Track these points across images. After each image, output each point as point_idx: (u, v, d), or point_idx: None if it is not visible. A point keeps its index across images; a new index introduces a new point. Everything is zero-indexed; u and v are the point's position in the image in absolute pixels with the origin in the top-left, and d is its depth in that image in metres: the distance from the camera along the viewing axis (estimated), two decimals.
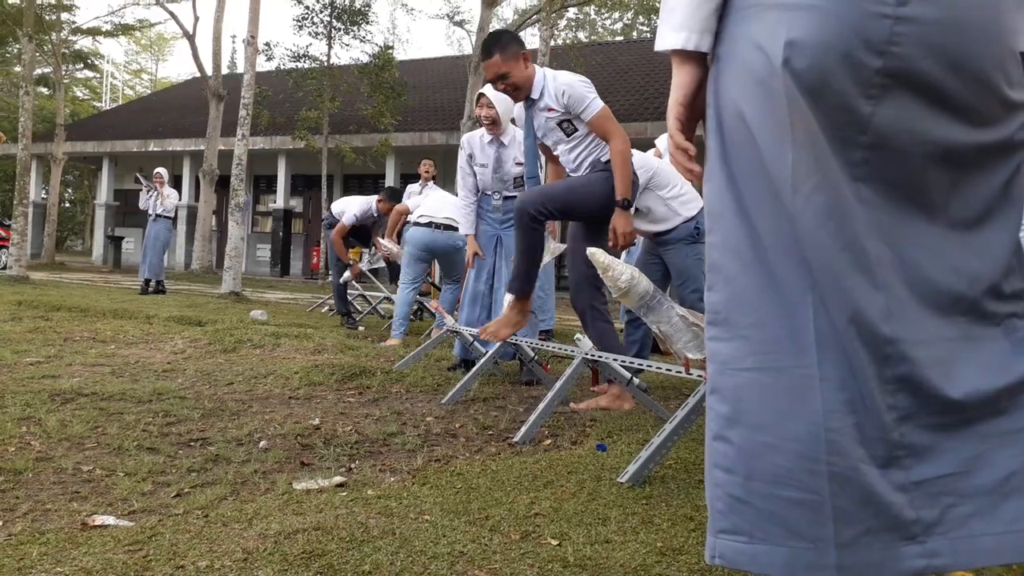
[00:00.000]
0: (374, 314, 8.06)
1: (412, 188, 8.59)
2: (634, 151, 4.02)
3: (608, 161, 3.26)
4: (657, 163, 4.01)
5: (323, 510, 1.93)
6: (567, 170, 3.46)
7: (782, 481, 1.08)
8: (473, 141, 4.31)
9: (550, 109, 3.29)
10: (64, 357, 4.29)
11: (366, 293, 8.16)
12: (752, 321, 1.13)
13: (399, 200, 6.98)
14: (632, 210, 3.30)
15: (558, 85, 3.24)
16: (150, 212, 10.41)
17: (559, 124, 3.31)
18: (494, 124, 4.14)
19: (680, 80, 1.24)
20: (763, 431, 1.10)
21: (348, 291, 7.25)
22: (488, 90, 4.08)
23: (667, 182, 3.96)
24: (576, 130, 3.30)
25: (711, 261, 1.20)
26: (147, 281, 10.23)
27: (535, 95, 3.32)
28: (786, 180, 1.10)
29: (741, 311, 1.15)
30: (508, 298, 3.44)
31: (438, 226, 5.52)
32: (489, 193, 4.36)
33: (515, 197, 4.27)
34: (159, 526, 1.78)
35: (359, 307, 8.06)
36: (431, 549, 1.69)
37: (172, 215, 10.51)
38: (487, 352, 3.78)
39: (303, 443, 2.68)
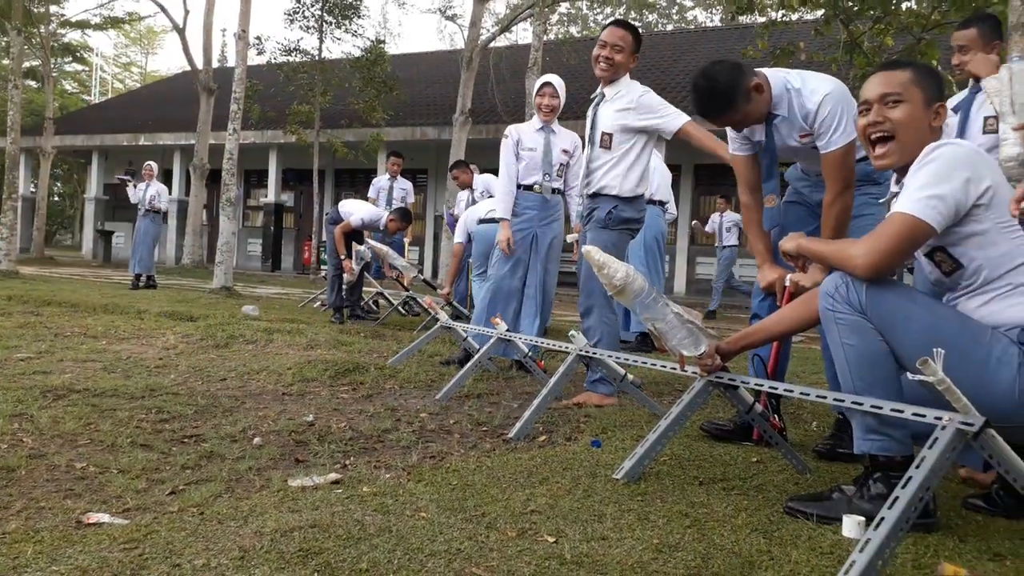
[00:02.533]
0: (398, 313, 7.67)
1: (380, 183, 8.61)
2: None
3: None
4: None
5: (319, 507, 1.92)
6: None
7: None
8: (520, 128, 4.49)
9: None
10: (55, 353, 4.26)
11: (385, 291, 8.01)
12: None
13: (410, 221, 7.09)
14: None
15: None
16: (140, 206, 10.36)
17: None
18: (553, 112, 4.35)
19: None
20: None
21: (363, 288, 7.38)
22: (554, 79, 4.33)
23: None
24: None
25: None
26: (137, 276, 10.18)
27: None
28: None
29: None
30: None
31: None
32: (530, 184, 4.38)
33: (559, 191, 4.41)
34: (154, 524, 1.78)
35: (374, 306, 8.00)
36: (428, 547, 1.69)
37: (161, 209, 10.45)
38: (480, 349, 3.78)
39: (297, 440, 2.68)
